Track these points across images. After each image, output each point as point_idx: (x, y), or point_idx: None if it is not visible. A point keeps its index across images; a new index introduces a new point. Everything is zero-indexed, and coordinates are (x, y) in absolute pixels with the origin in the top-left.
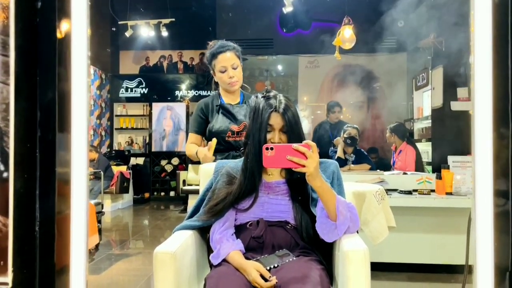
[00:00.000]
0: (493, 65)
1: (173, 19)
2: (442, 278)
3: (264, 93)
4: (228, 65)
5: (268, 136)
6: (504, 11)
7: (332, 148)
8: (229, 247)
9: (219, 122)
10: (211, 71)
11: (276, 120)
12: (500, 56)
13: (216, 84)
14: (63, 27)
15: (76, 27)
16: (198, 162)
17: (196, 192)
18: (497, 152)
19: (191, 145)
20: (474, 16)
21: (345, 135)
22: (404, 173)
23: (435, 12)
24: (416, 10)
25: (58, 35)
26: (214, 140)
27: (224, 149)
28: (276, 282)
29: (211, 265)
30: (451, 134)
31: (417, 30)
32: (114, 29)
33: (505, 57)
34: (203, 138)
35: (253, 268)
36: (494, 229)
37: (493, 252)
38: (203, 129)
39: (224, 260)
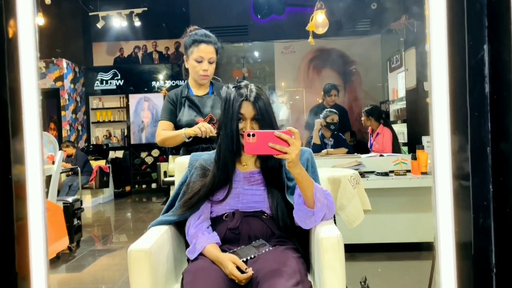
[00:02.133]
0: (448, 51)
1: (145, 9)
2: (421, 255)
3: (236, 84)
4: (206, 58)
5: (240, 125)
6: None
7: (311, 135)
8: (204, 240)
9: (185, 115)
10: (185, 56)
11: (247, 109)
12: (456, 42)
13: (187, 71)
14: (10, 27)
15: (23, 26)
16: (177, 151)
17: None
18: (456, 137)
19: (163, 131)
20: (429, 2)
21: (327, 121)
22: (381, 155)
23: None
24: None
25: (7, 36)
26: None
27: (192, 142)
28: (253, 274)
29: (188, 259)
30: (425, 114)
31: (389, 12)
32: (85, 20)
33: (461, 43)
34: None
35: (229, 261)
36: (454, 207)
37: (454, 228)
38: (174, 118)
39: (201, 254)
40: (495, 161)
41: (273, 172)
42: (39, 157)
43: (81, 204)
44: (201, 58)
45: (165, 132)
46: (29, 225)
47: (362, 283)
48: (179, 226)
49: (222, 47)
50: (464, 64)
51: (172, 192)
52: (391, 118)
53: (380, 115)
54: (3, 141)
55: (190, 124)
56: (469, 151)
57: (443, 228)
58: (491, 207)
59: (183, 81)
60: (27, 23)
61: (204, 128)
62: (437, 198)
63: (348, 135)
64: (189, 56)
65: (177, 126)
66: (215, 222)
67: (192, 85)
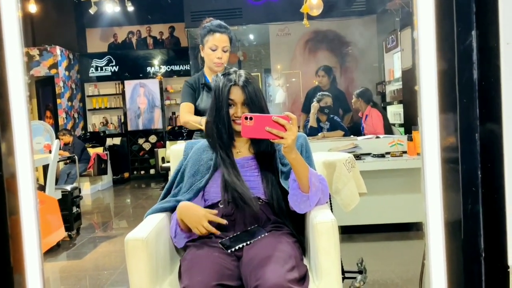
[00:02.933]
0: (437, 38)
1: None
2: (417, 235)
3: (225, 72)
4: (220, 46)
5: (231, 111)
6: None
7: (307, 119)
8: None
9: (203, 101)
10: (200, 45)
11: (237, 94)
12: (444, 28)
13: (202, 59)
14: None
15: (6, 14)
16: (174, 137)
17: None
18: (444, 124)
19: (187, 114)
20: None
21: (321, 104)
22: (377, 137)
23: None
24: None
25: None
26: None
27: None
28: (226, 224)
29: (185, 247)
30: None
31: None
32: (77, 6)
33: (449, 29)
34: None
35: (203, 217)
36: (443, 192)
37: (443, 214)
38: (194, 101)
39: (196, 241)
40: (483, 147)
41: (267, 157)
42: (29, 150)
43: (80, 192)
44: (215, 47)
45: (188, 116)
46: (22, 220)
47: (359, 265)
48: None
49: (236, 37)
50: (452, 50)
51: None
52: (387, 99)
53: (370, 98)
54: None
55: (207, 110)
56: (458, 137)
57: (432, 214)
58: (480, 193)
59: (178, 66)
60: (11, 10)
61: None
62: (426, 184)
63: (349, 116)
64: (205, 45)
65: (196, 110)
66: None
67: (207, 73)
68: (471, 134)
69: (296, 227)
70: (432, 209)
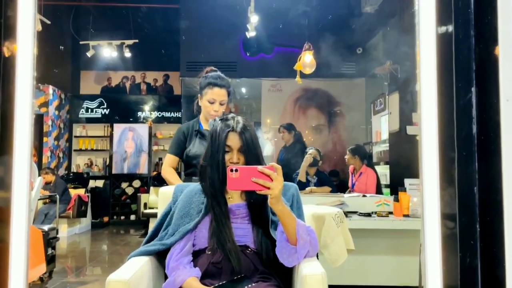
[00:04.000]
0: (438, 92)
1: (137, 40)
2: None
3: (222, 117)
4: (218, 100)
5: (227, 157)
6: (448, 41)
7: (296, 172)
8: (185, 273)
9: (195, 147)
10: (199, 94)
11: (234, 140)
12: (445, 84)
13: (199, 107)
14: (8, 46)
15: (22, 46)
16: (158, 183)
17: (157, 215)
18: (444, 176)
19: (170, 169)
20: (420, 45)
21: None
22: (364, 196)
23: (391, 40)
24: (373, 38)
25: (5, 54)
26: None
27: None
28: None
29: None
30: (407, 157)
31: (374, 57)
32: (74, 48)
33: (449, 85)
34: (180, 161)
35: None
36: (442, 251)
37: (442, 273)
38: (181, 152)
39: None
40: (482, 200)
41: (258, 206)
42: (27, 182)
43: (57, 233)
44: (213, 100)
45: (170, 172)
46: (11, 249)
47: None
48: (160, 258)
49: (234, 90)
50: (452, 105)
51: (151, 225)
52: (374, 160)
53: (365, 155)
54: None
55: (198, 155)
56: (457, 190)
57: (431, 271)
58: (478, 247)
59: (169, 113)
60: (27, 41)
61: None
62: (426, 241)
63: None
64: (203, 96)
65: (187, 156)
66: (198, 255)
67: (203, 121)
68: (470, 187)
69: (283, 279)
70: (431, 260)
